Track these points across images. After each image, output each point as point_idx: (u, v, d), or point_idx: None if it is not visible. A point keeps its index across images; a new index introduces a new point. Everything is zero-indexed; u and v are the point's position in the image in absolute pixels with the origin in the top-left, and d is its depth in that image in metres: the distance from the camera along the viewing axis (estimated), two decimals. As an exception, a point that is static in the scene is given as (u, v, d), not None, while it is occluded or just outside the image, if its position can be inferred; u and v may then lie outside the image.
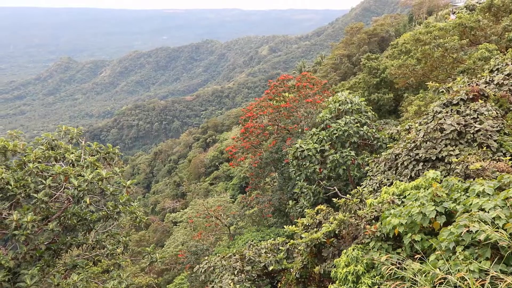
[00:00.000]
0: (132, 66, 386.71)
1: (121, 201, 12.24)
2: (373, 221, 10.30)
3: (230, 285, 13.25)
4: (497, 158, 11.59)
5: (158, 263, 13.45)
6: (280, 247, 14.41)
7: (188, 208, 58.19)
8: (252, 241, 16.97)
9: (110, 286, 11.70)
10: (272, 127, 36.62)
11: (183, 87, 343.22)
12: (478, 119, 12.99)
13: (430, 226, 8.32)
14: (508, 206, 7.05)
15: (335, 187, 18.13)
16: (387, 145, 17.85)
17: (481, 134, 12.45)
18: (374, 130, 20.13)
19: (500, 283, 5.14)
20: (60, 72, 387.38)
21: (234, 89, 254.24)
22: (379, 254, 8.79)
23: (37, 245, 11.03)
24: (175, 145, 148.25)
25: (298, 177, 21.27)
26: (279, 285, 13.61)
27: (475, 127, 12.67)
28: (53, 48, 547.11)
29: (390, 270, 7.22)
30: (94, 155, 12.52)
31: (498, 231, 6.49)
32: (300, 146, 20.04)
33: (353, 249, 9.57)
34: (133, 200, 12.87)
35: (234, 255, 14.97)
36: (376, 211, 10.39)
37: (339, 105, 21.08)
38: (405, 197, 9.95)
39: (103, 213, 12.32)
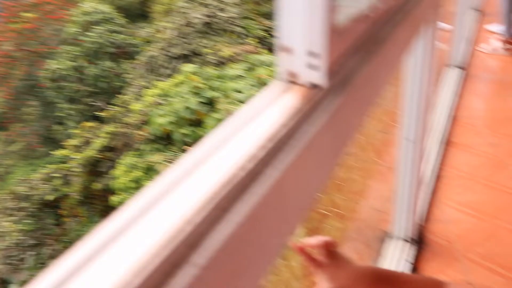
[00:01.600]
0: None
1: None
2: (143, 125, 10.31)
3: (11, 227, 12.38)
4: (244, 42, 12.31)
5: None
6: (55, 174, 13.72)
7: None
8: (24, 176, 15.87)
9: None
10: (19, 53, 33.35)
11: None
12: (223, 9, 13.48)
13: (197, 118, 8.62)
14: (260, 84, 7.61)
15: (99, 101, 17.59)
16: (144, 49, 17.67)
17: (228, 22, 13.01)
18: (128, 37, 19.64)
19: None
20: None
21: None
22: (154, 156, 8.91)
23: None
24: None
25: (58, 100, 20.07)
26: (63, 212, 13.13)
27: (221, 16, 13.15)
28: None
29: (165, 167, 7.38)
30: None
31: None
32: (54, 67, 18.72)
33: (129, 157, 9.54)
34: None
35: (7, 196, 13.88)
36: (143, 115, 10.38)
37: (87, 17, 19.94)
38: (168, 95, 10.08)
39: None
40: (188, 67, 10.46)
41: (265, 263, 0.60)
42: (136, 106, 10.73)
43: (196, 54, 12.86)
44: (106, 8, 20.56)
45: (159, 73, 13.74)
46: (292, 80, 0.74)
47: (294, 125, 0.64)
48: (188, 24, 13.28)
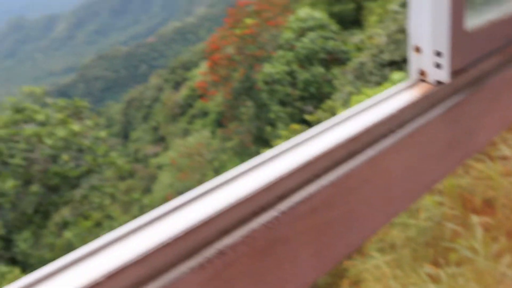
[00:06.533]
0: (87, 16, 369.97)
1: (99, 153, 12.11)
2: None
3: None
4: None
5: (148, 208, 13.43)
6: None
7: (169, 150, 58.02)
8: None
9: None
10: (239, 56, 36.07)
11: (144, 29, 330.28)
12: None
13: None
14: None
15: (308, 105, 18.26)
16: (354, 56, 17.86)
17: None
18: (340, 43, 20.04)
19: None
20: (13, 32, 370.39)
21: (196, 23, 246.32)
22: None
23: (24, 209, 11.08)
24: (146, 90, 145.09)
25: (271, 102, 21.29)
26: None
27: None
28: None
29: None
30: (62, 112, 12.32)
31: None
32: (269, 71, 19.94)
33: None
34: (112, 151, 12.76)
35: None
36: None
37: (302, 23, 20.84)
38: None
39: (84, 168, 12.18)
40: (397, 75, 10.35)
41: (355, 231, 0.74)
42: (342, 111, 10.91)
43: (405, 62, 12.62)
44: (320, 15, 21.21)
45: (367, 80, 13.81)
46: (422, 78, 0.83)
47: (404, 116, 0.76)
48: (401, 31, 13.09)
